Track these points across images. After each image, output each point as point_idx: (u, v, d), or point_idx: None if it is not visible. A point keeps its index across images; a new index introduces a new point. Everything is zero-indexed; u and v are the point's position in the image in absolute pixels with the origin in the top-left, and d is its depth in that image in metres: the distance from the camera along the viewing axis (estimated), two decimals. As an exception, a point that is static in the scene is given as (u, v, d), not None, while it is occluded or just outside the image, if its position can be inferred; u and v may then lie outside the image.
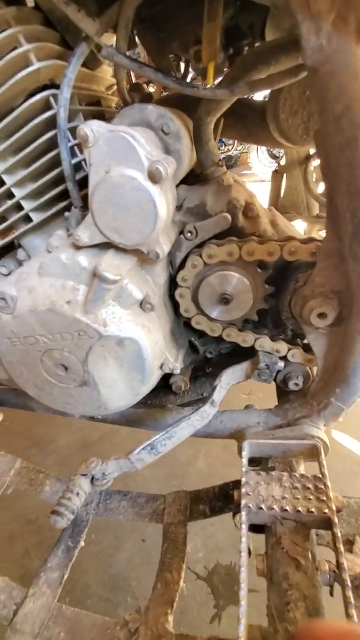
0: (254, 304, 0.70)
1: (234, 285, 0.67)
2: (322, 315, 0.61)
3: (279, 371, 0.74)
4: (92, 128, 0.48)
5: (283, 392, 0.81)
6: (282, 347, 0.74)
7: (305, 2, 0.40)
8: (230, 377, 0.76)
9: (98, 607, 1.19)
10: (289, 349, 0.74)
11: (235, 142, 6.93)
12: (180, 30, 0.69)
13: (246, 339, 0.75)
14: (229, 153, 7.48)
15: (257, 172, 6.10)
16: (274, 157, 6.17)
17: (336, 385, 0.66)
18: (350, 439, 1.55)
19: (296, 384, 0.75)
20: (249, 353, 0.78)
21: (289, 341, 0.75)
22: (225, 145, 7.25)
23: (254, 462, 0.72)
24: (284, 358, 0.75)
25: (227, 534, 1.34)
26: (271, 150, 6.20)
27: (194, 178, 0.75)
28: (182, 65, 0.88)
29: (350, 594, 0.44)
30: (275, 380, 0.77)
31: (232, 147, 7.35)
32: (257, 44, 0.67)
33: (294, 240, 0.61)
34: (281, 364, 0.73)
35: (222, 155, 7.49)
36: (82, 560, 1.40)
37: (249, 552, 0.69)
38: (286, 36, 0.53)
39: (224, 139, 6.82)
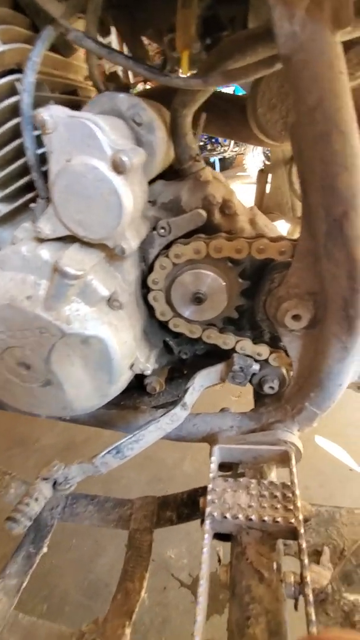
0: (229, 301, 0.67)
1: (206, 283, 0.64)
2: (296, 317, 0.59)
3: (254, 374, 0.72)
4: (50, 113, 0.45)
5: (259, 396, 0.79)
6: (264, 350, 0.71)
7: (277, -15, 0.38)
8: (204, 380, 0.74)
9: (77, 615, 1.15)
10: (271, 352, 0.72)
11: (232, 143, 6.93)
12: (155, 17, 0.66)
13: (227, 341, 0.72)
14: (225, 154, 7.49)
15: (252, 174, 6.11)
16: (270, 158, 6.17)
17: (311, 390, 0.64)
18: (337, 446, 1.54)
19: (271, 387, 0.72)
20: (226, 355, 0.76)
21: (269, 343, 0.73)
22: (221, 146, 7.24)
23: (225, 467, 0.69)
24: (265, 361, 0.72)
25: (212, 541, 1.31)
26: (267, 152, 6.21)
27: (174, 174, 0.73)
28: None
29: (312, 610, 0.41)
30: (251, 383, 0.75)
31: (229, 149, 7.34)
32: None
33: (263, 237, 0.58)
34: (256, 366, 0.71)
35: (218, 157, 7.49)
36: (61, 565, 1.36)
37: (219, 561, 0.67)
38: (263, 25, 0.51)
39: (219, 140, 6.83)
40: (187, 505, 0.68)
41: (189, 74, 0.60)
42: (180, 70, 0.60)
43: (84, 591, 1.20)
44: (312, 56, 0.40)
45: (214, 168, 7.41)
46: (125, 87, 0.73)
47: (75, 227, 0.52)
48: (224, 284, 0.64)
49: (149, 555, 0.63)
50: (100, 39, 0.60)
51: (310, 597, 0.41)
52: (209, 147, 7.29)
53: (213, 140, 6.91)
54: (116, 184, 0.48)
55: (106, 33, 0.70)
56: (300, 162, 0.47)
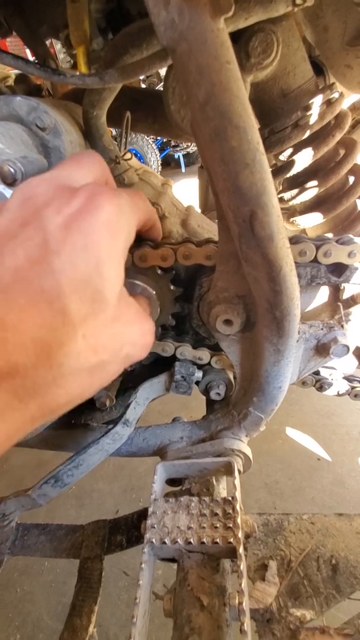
0: (163, 309, 0.64)
1: (136, 292, 0.61)
2: (228, 322, 0.56)
3: (198, 382, 0.69)
4: None
5: (210, 402, 0.76)
6: (205, 354, 0.69)
7: (147, -31, 0.34)
8: (148, 392, 0.70)
9: (51, 642, 1.11)
10: (212, 356, 0.69)
11: (193, 138, 6.89)
12: (48, 13, 0.62)
13: (166, 348, 0.69)
14: (189, 150, 7.45)
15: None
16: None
17: (253, 394, 0.62)
18: (305, 435, 1.54)
19: (218, 394, 0.70)
20: (172, 362, 0.72)
21: (212, 347, 0.71)
22: (184, 142, 7.19)
23: (175, 481, 0.67)
24: (207, 365, 0.70)
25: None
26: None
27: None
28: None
29: None
30: (200, 390, 0.73)
31: (192, 144, 7.30)
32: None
33: (188, 243, 0.55)
34: (199, 374, 0.68)
35: (182, 153, 7.45)
36: (33, 591, 1.31)
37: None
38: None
39: (181, 136, 6.77)
40: (137, 528, 0.65)
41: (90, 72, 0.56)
42: (78, 69, 0.56)
43: (57, 616, 1.15)
44: (195, 46, 0.36)
45: (179, 165, 7.38)
46: (36, 90, 0.69)
47: (-27, 247, 0.48)
48: (154, 292, 0.61)
49: (99, 586, 0.59)
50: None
51: (247, 627, 0.39)
52: (172, 143, 7.25)
53: (175, 136, 6.86)
54: (8, 196, 0.44)
55: (6, 33, 0.65)
56: (204, 162, 0.44)
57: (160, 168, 6.45)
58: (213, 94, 0.38)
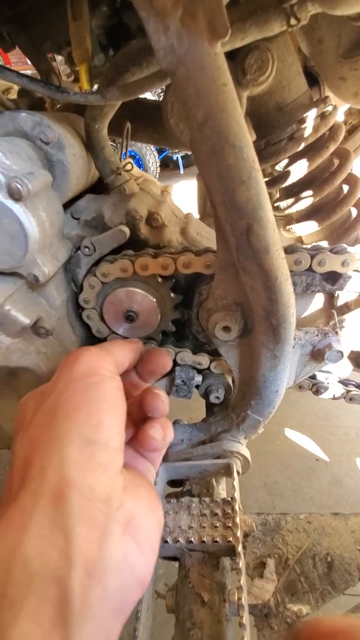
0: (163, 316, 0.66)
1: (137, 301, 0.63)
2: (226, 329, 0.58)
3: (198, 385, 0.71)
4: None
5: (210, 405, 0.78)
6: (204, 359, 0.71)
7: (148, -4, 0.36)
8: (149, 396, 0.72)
9: None
10: (211, 361, 0.71)
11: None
12: (51, 30, 0.64)
13: (166, 353, 0.71)
14: (188, 152, 7.44)
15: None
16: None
17: (251, 398, 0.64)
18: (303, 436, 1.56)
19: (217, 397, 0.72)
20: (173, 366, 0.74)
21: (211, 352, 0.73)
22: (184, 150, 7.19)
23: (176, 483, 0.69)
24: (207, 370, 0.72)
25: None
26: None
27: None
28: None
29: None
30: (199, 394, 0.75)
31: (190, 145, 7.29)
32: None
33: (188, 252, 0.57)
34: (198, 378, 0.70)
35: (181, 154, 7.47)
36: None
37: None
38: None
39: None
40: (139, 527, 0.66)
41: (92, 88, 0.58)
42: (80, 85, 0.58)
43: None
44: (194, 70, 0.38)
45: (177, 166, 7.39)
46: (39, 103, 0.70)
47: (-19, 259, 0.50)
48: (154, 300, 0.63)
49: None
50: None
51: (246, 621, 0.41)
52: (170, 144, 7.24)
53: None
54: (16, 211, 0.46)
55: (9, 48, 0.67)
56: (203, 177, 0.46)
57: (159, 170, 6.45)
58: (210, 115, 0.40)
